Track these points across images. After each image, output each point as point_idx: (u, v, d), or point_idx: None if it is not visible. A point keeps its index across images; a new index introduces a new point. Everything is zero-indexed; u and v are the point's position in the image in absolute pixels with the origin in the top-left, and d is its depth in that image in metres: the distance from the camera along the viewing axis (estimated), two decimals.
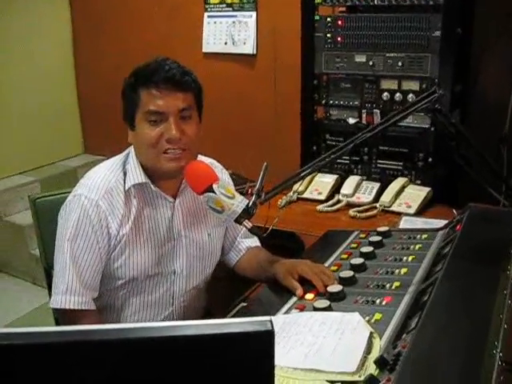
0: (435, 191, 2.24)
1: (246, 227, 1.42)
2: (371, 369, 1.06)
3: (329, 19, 2.31)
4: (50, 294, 1.91)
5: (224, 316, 1.60)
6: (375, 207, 2.19)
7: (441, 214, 2.07)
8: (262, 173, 1.51)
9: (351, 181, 2.32)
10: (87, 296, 1.44)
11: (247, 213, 1.41)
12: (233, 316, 1.61)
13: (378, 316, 1.25)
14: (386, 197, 2.18)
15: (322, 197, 2.30)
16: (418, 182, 2.29)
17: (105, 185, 1.45)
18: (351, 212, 2.16)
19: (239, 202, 1.40)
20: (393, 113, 1.44)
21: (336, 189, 2.37)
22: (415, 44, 2.17)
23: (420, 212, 2.15)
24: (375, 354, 1.11)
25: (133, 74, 1.46)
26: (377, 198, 2.25)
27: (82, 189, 1.45)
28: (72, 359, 0.61)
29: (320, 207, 2.23)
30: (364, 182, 2.34)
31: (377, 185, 2.31)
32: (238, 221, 1.40)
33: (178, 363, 0.63)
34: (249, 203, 1.41)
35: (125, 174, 1.49)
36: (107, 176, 1.47)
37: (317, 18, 2.33)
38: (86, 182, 1.47)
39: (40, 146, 3.73)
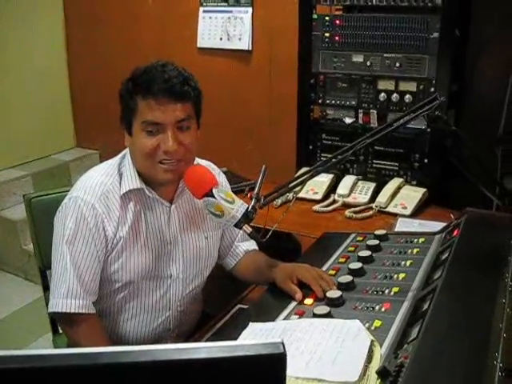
0: (430, 192, 2.25)
1: (245, 232, 1.42)
2: (373, 379, 1.06)
3: (327, 18, 2.30)
4: (45, 294, 1.92)
5: (221, 318, 1.60)
6: (371, 208, 2.19)
7: (436, 216, 2.08)
8: (260, 177, 1.51)
9: (347, 180, 2.32)
10: (88, 299, 1.43)
11: (247, 217, 1.41)
12: (230, 318, 1.62)
13: (377, 323, 1.25)
14: (382, 197, 2.19)
15: (318, 196, 2.30)
16: (414, 182, 2.31)
17: (100, 187, 1.44)
18: (347, 213, 2.16)
19: (239, 207, 1.40)
20: (392, 119, 1.45)
21: (332, 188, 2.37)
22: (413, 45, 2.17)
23: (415, 213, 2.16)
24: (376, 362, 1.11)
25: (130, 79, 1.42)
26: (372, 198, 2.25)
27: (77, 191, 1.44)
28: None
29: (316, 207, 2.23)
30: (360, 182, 2.35)
31: (372, 185, 2.32)
32: (238, 225, 1.40)
33: None
34: (248, 207, 1.41)
35: (120, 176, 1.48)
36: (103, 179, 1.46)
37: (315, 16, 2.33)
38: (82, 184, 1.46)
39: (32, 140, 3.69)
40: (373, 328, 1.23)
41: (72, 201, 1.43)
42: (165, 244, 1.54)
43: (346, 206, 2.25)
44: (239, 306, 1.68)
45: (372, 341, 1.16)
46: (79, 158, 3.84)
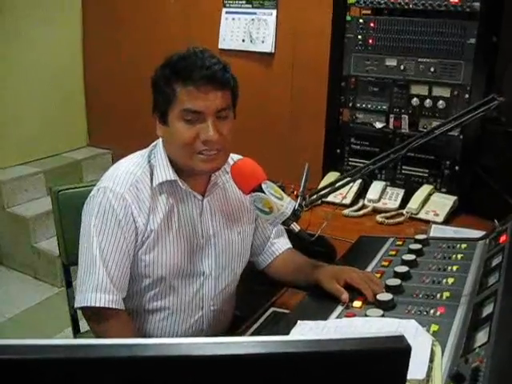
0: (460, 200, 2.21)
1: (293, 230, 1.37)
2: (437, 378, 1.02)
3: (361, 20, 2.27)
4: (67, 291, 1.86)
5: (255, 321, 1.55)
6: (402, 214, 2.15)
7: (468, 223, 2.05)
8: (304, 175, 1.48)
9: (376, 186, 2.28)
10: (117, 294, 1.37)
11: (294, 215, 1.36)
12: (264, 321, 1.56)
13: (434, 327, 1.21)
14: (414, 204, 2.15)
15: (347, 201, 2.26)
16: (444, 190, 2.26)
17: (130, 178, 1.39)
18: (378, 218, 2.12)
19: (287, 204, 1.36)
20: (447, 120, 1.41)
21: (359, 193, 2.33)
22: (449, 50, 2.13)
23: (447, 220, 2.12)
24: (438, 362, 1.07)
25: (167, 65, 1.37)
26: (402, 205, 2.22)
27: (106, 182, 1.39)
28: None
29: (346, 211, 2.19)
30: (388, 188, 2.31)
31: (401, 191, 2.28)
32: (286, 223, 1.36)
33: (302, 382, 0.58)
34: (295, 205, 1.37)
35: (151, 167, 1.43)
36: (132, 169, 1.41)
37: (348, 18, 2.29)
38: (111, 175, 1.41)
39: (44, 138, 3.64)
40: (431, 332, 1.19)
41: (100, 191, 1.38)
42: (197, 238, 1.48)
43: (376, 211, 2.21)
44: (273, 308, 1.63)
45: (433, 340, 1.12)
46: (91, 157, 3.80)
